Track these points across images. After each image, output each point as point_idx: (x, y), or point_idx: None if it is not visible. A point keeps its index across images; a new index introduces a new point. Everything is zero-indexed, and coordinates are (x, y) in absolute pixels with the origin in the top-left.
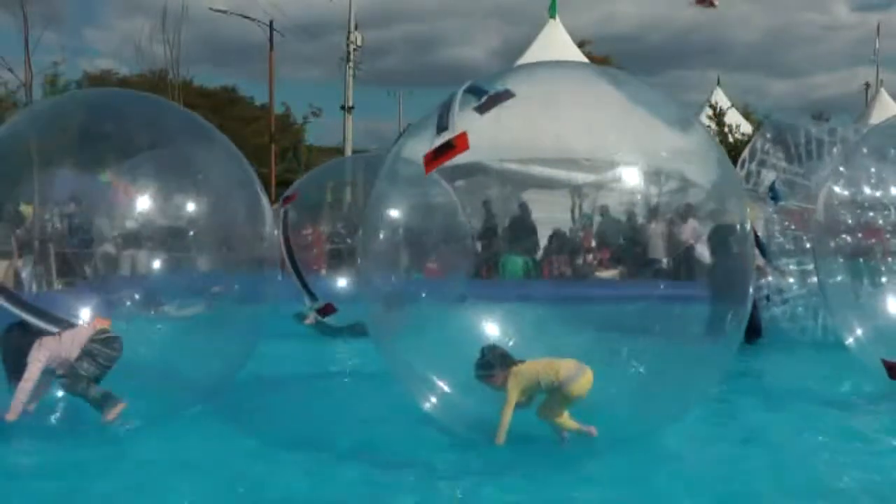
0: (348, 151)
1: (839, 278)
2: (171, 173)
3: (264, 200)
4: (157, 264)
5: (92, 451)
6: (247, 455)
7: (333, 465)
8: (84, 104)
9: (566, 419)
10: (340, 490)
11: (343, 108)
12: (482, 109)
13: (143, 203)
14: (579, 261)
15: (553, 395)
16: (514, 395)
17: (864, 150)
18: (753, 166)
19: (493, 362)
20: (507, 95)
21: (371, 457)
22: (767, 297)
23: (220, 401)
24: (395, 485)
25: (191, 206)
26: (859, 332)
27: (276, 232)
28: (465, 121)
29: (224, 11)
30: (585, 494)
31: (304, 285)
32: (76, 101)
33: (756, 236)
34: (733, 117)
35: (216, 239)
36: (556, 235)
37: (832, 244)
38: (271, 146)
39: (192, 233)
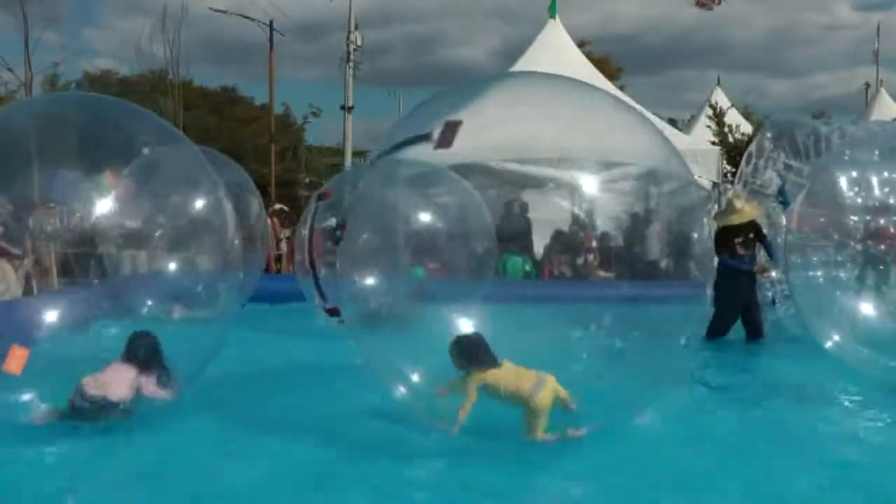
0: (348, 151)
1: (812, 282)
2: (136, 177)
3: (226, 206)
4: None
5: (78, 446)
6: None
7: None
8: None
9: (544, 435)
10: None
11: (343, 108)
12: (442, 144)
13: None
14: (579, 261)
15: (525, 414)
16: (471, 394)
17: (842, 155)
18: (761, 163)
19: (470, 353)
20: (456, 125)
21: (372, 451)
22: (773, 301)
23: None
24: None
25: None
26: (835, 335)
27: (304, 230)
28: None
29: (224, 11)
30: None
31: (318, 285)
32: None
33: (764, 236)
34: (733, 117)
35: (179, 241)
36: (556, 235)
37: (805, 248)
38: (271, 146)
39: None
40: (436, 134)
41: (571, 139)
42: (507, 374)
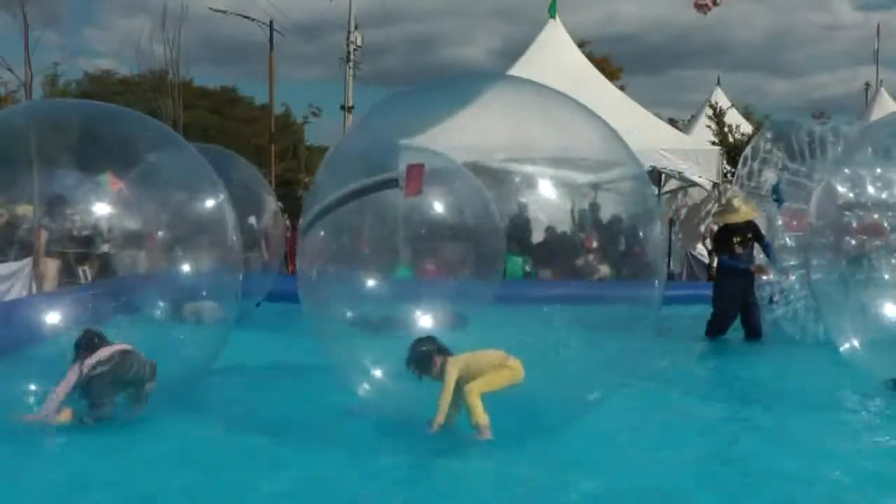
0: None
1: (832, 280)
2: (138, 181)
3: (228, 210)
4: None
5: (74, 443)
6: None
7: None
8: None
9: (479, 406)
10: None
11: (343, 108)
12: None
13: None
14: (579, 261)
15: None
16: (452, 381)
17: (861, 149)
18: (756, 164)
19: (431, 351)
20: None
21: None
22: (771, 299)
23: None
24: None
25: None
26: (852, 336)
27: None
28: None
29: (224, 11)
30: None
31: None
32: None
33: (762, 236)
34: (733, 117)
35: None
36: (553, 235)
37: (824, 245)
38: (271, 146)
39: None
40: (402, 179)
41: (570, 139)
42: (469, 355)
